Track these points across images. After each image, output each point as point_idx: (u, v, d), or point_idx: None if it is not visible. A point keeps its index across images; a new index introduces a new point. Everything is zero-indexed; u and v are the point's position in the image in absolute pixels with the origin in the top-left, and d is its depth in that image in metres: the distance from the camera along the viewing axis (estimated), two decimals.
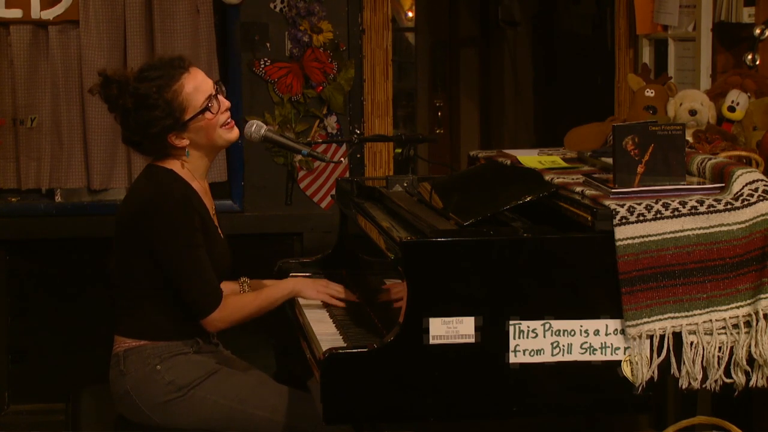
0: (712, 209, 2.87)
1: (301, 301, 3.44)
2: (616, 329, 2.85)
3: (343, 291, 3.41)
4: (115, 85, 3.19)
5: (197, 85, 3.20)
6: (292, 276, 3.73)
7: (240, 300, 3.29)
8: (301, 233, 4.65)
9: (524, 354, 2.83)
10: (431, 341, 2.79)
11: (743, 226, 2.87)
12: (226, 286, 3.40)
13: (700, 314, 2.86)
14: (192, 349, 3.25)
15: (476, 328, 2.80)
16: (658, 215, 2.85)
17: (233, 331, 3.36)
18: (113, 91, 3.19)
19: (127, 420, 3.25)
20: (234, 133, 3.29)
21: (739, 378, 2.89)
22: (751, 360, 2.88)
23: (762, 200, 2.88)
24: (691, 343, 2.86)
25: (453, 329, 2.79)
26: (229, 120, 3.27)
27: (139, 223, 3.18)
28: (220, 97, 3.25)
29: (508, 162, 3.51)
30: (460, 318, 2.80)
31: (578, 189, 3.04)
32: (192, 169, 3.28)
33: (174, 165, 3.26)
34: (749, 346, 2.87)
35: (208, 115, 3.20)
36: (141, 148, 3.27)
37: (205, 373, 3.21)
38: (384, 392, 2.81)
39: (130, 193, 3.36)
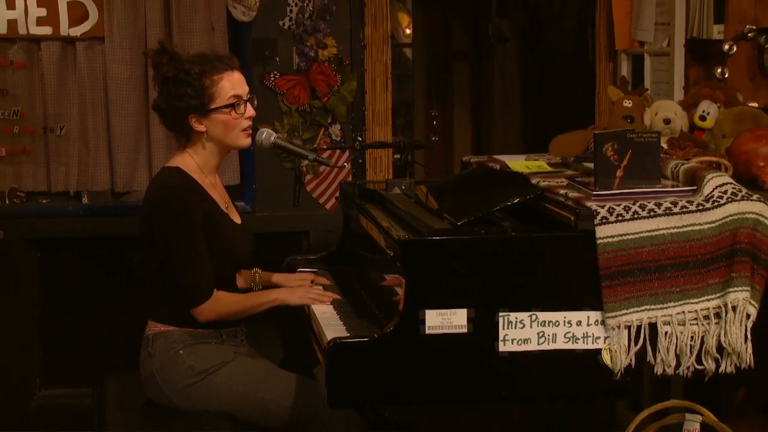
0: (685, 210, 2.87)
1: None
2: (597, 320, 2.85)
3: (323, 293, 3.39)
4: (166, 56, 3.25)
5: (233, 84, 3.26)
6: (300, 271, 3.74)
7: (230, 297, 3.30)
8: (307, 232, 4.64)
9: (512, 343, 2.83)
10: (427, 331, 2.79)
11: (713, 225, 2.87)
12: (240, 275, 3.47)
13: (674, 306, 2.86)
14: (215, 340, 3.28)
15: (468, 320, 2.80)
16: (636, 215, 2.86)
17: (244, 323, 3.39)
18: (163, 60, 3.25)
19: (153, 403, 3.27)
20: (248, 141, 3.33)
21: (710, 365, 2.89)
22: (720, 348, 2.88)
23: (730, 202, 2.89)
24: (666, 333, 2.86)
25: (447, 320, 2.80)
26: (248, 128, 3.30)
27: (148, 219, 3.23)
28: (249, 104, 3.28)
29: (498, 166, 3.51)
30: (454, 310, 2.80)
31: (562, 191, 3.04)
32: (201, 164, 3.30)
33: (184, 160, 3.29)
34: (719, 336, 2.87)
35: (232, 113, 3.24)
36: (164, 117, 3.31)
37: (222, 362, 3.23)
38: (384, 378, 2.81)
39: (145, 192, 3.39)
